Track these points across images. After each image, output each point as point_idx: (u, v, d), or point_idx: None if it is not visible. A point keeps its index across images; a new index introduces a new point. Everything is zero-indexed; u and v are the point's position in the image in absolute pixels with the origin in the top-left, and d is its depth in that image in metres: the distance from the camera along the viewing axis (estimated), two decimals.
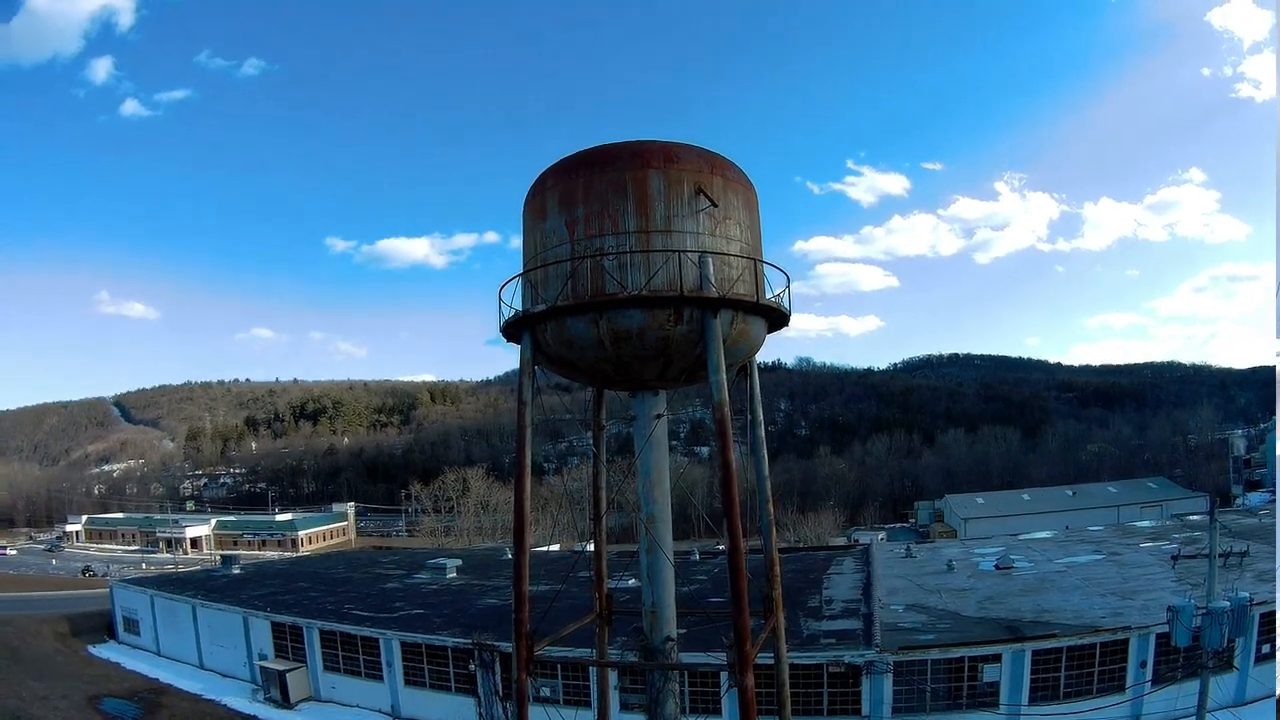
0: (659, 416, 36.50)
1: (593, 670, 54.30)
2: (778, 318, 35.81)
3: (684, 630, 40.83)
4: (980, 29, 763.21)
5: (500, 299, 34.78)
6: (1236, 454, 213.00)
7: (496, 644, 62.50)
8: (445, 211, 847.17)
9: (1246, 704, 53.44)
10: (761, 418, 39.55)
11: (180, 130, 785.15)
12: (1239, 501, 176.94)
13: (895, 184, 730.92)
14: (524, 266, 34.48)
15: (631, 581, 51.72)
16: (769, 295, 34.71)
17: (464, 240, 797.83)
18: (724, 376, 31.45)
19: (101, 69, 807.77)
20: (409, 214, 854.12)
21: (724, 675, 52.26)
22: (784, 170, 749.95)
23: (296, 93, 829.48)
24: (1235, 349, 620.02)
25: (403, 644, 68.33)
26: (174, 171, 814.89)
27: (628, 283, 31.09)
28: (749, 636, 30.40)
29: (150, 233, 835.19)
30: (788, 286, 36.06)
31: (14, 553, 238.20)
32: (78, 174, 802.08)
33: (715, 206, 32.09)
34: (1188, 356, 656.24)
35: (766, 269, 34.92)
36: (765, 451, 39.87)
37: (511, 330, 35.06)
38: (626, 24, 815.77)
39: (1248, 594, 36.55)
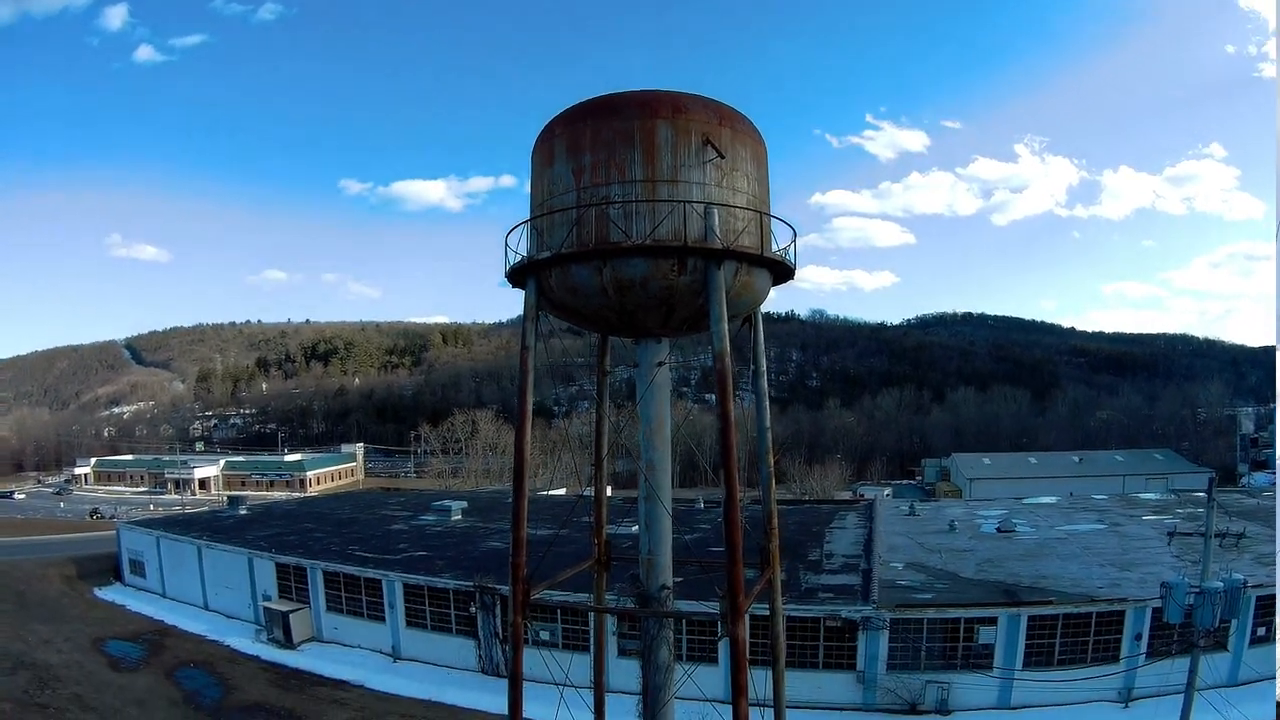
0: (661, 364, 36.54)
1: (591, 615, 54.75)
2: (783, 271, 35.68)
3: (680, 579, 41.16)
4: None
5: (506, 245, 34.97)
6: (1244, 432, 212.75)
7: (498, 587, 63.02)
8: (461, 154, 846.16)
9: (1240, 685, 53.53)
10: (765, 369, 39.72)
11: (196, 75, 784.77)
12: (1244, 480, 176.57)
13: (915, 140, 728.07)
14: (531, 213, 34.49)
15: (634, 528, 52.24)
16: (775, 248, 34.43)
17: (480, 183, 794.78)
18: (726, 327, 31.36)
19: (116, 16, 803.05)
20: (425, 156, 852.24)
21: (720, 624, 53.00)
22: (803, 122, 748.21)
23: (313, 36, 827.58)
24: (1249, 327, 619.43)
25: (405, 586, 68.92)
26: (188, 115, 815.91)
27: (632, 232, 31.06)
28: (742, 587, 30.66)
29: (163, 176, 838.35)
30: (794, 240, 35.80)
31: (22, 497, 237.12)
32: (89, 119, 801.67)
33: (723, 158, 31.91)
34: (1201, 331, 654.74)
35: (774, 222, 34.76)
36: (768, 402, 40.07)
37: (516, 276, 35.08)
38: None
39: (1242, 576, 36.67)
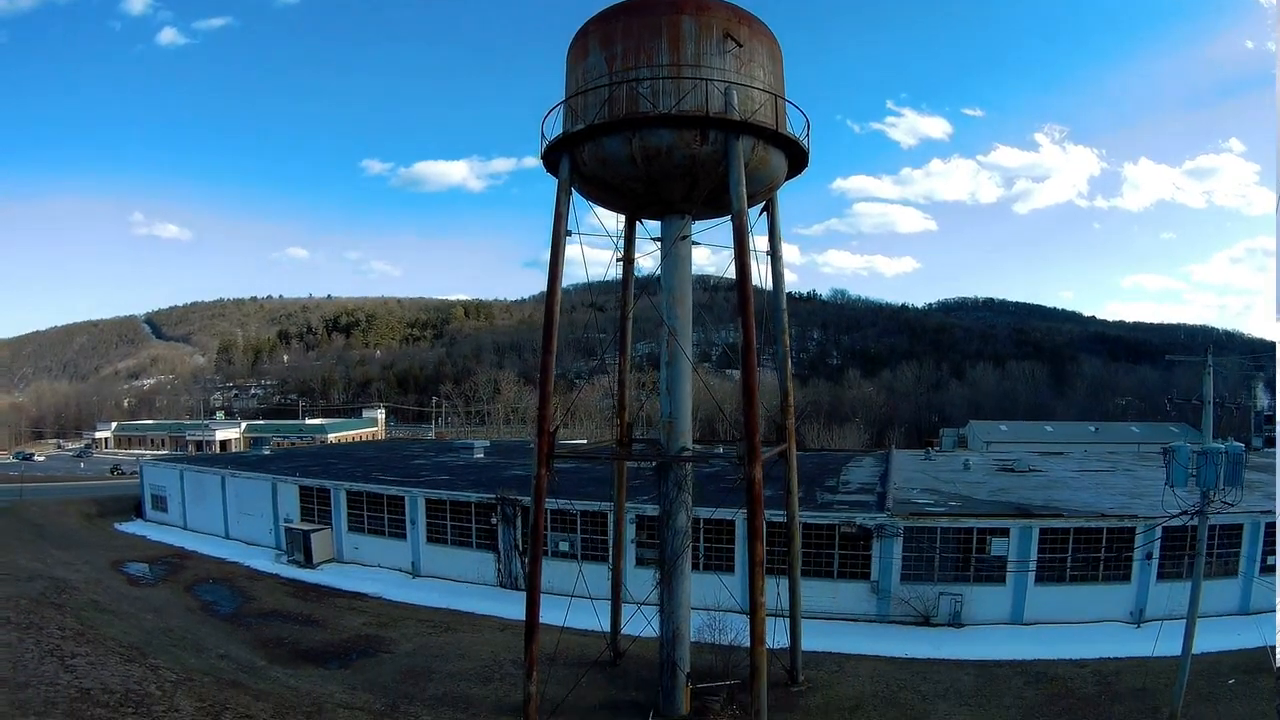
0: (684, 238, 38.22)
1: (611, 521, 55.84)
2: (797, 154, 38.21)
3: (699, 446, 42.40)
4: None
5: (542, 132, 38.06)
6: (1260, 408, 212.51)
7: (519, 498, 64.27)
8: (484, 135, 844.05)
9: (1250, 614, 54.15)
10: (782, 254, 41.48)
11: (220, 57, 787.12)
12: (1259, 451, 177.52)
13: (936, 127, 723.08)
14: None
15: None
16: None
17: (503, 165, 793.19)
18: (744, 191, 34.16)
19: (138, 1, 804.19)
20: (447, 137, 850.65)
21: (739, 522, 54.10)
22: (824, 108, 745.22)
23: (335, 16, 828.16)
24: (1269, 321, 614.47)
25: (427, 500, 69.93)
26: (212, 97, 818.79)
27: (660, 106, 33.88)
28: (757, 429, 31.98)
29: (186, 156, 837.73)
30: (808, 128, 38.74)
31: (42, 458, 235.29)
32: (114, 99, 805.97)
33: (741, 47, 35.17)
34: (1221, 324, 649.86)
35: (789, 125, 37.44)
36: (784, 286, 41.55)
37: (551, 156, 37.87)
38: None
39: (1241, 445, 37.06)
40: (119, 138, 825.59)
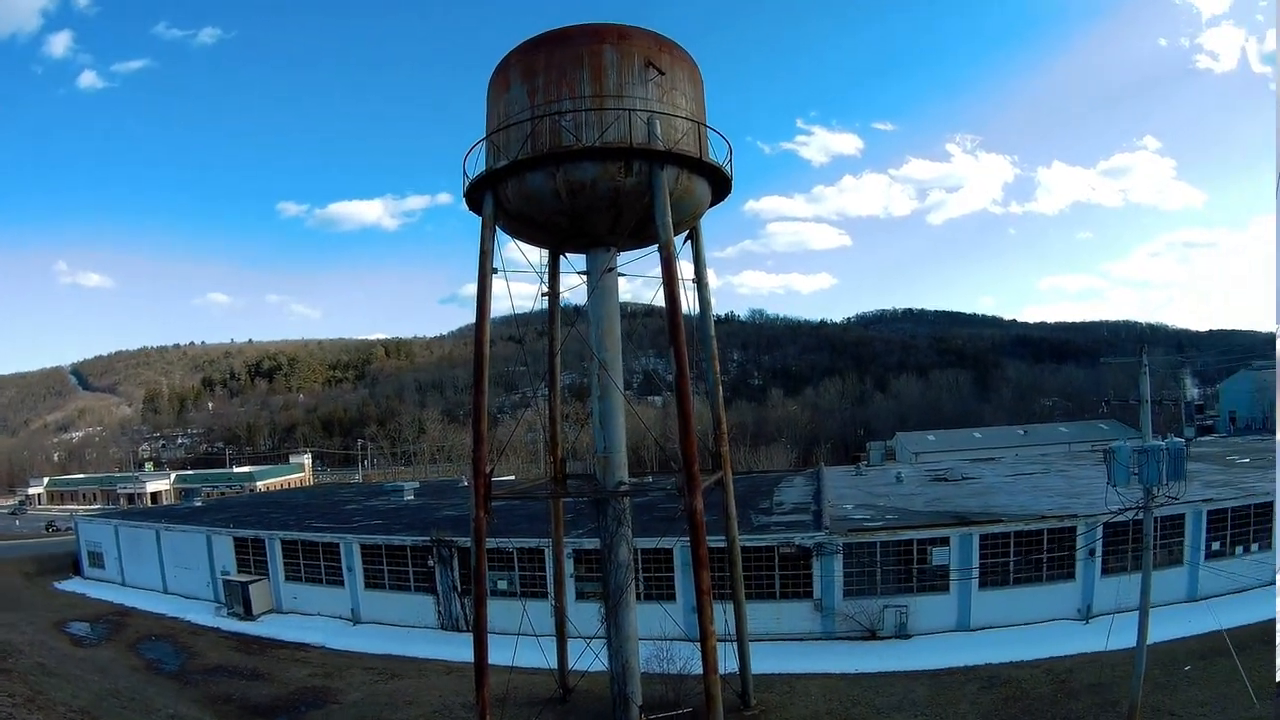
0: (610, 270, 38.21)
1: (549, 557, 55.63)
2: (720, 180, 38.33)
3: (635, 479, 42.25)
4: None
5: (464, 170, 37.84)
6: (1189, 399, 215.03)
7: (455, 539, 63.75)
8: (397, 173, 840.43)
9: (1199, 600, 55.11)
10: (706, 281, 41.49)
11: (137, 100, 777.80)
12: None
13: (847, 144, 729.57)
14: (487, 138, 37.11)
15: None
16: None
17: (416, 202, 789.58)
18: (670, 221, 34.15)
19: (59, 44, 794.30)
20: (361, 177, 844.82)
21: (678, 550, 54.08)
22: (733, 129, 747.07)
23: (250, 59, 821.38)
24: (1193, 313, 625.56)
25: (363, 546, 69.19)
26: (130, 141, 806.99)
27: (583, 139, 33.75)
28: (696, 459, 31.89)
29: (107, 203, 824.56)
30: (730, 155, 38.83)
31: None
32: (33, 147, 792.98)
33: (663, 75, 35.10)
34: (1144, 318, 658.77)
35: (711, 151, 37.53)
36: (711, 312, 41.73)
37: (475, 194, 37.75)
38: None
39: (1182, 440, 37.45)
40: (39, 183, 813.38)
